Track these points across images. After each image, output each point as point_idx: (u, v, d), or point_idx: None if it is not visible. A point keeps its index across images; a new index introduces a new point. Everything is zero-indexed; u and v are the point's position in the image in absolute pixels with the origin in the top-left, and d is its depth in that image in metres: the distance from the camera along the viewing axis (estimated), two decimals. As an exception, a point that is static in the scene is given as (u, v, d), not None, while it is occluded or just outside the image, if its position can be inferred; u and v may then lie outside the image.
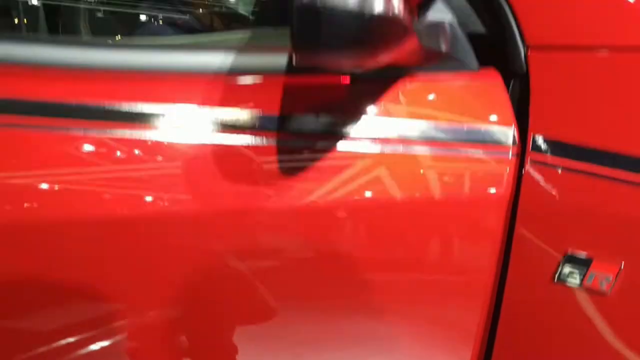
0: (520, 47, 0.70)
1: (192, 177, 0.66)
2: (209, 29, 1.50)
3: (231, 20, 1.52)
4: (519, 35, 0.70)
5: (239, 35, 0.78)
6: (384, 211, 0.68)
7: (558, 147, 0.65)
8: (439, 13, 0.69)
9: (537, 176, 0.67)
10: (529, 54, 0.70)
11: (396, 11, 0.47)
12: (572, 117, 0.66)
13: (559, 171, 0.65)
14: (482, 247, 0.70)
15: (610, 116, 0.64)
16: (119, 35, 1.51)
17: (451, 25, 0.69)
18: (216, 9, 1.51)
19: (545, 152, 0.66)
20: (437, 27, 0.67)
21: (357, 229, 0.68)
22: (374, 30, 0.47)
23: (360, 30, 0.47)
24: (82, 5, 1.37)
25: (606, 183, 0.62)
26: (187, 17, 1.46)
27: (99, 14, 1.42)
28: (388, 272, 0.71)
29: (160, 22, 1.43)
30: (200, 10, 1.51)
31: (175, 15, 1.48)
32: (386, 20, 0.47)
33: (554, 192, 0.66)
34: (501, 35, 0.72)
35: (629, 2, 0.64)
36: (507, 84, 0.72)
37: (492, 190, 0.69)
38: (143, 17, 1.53)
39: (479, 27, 0.75)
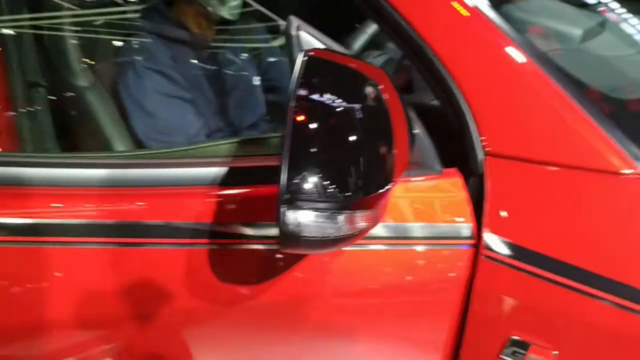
0: (477, 151, 0.80)
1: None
2: (200, 36, 1.54)
3: (218, 25, 1.56)
4: (477, 140, 0.80)
5: (226, 146, 0.87)
6: (360, 299, 0.81)
7: (505, 246, 0.77)
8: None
9: (488, 268, 0.79)
10: (485, 158, 0.79)
11: (362, 226, 0.58)
12: (518, 221, 0.77)
13: (505, 267, 0.77)
14: (442, 321, 0.83)
15: (549, 225, 0.75)
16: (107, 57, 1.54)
17: (418, 136, 0.78)
18: (203, 16, 1.54)
19: (494, 249, 0.78)
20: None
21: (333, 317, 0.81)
22: (346, 241, 0.59)
23: (334, 245, 0.58)
24: (65, 29, 1.40)
25: (543, 283, 0.74)
26: (177, 28, 1.50)
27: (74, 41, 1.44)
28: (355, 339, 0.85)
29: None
30: (188, 20, 1.54)
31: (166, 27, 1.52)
32: (354, 236, 0.59)
33: (500, 284, 0.78)
34: (463, 136, 0.81)
35: (577, 129, 0.74)
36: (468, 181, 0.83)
37: (452, 275, 0.81)
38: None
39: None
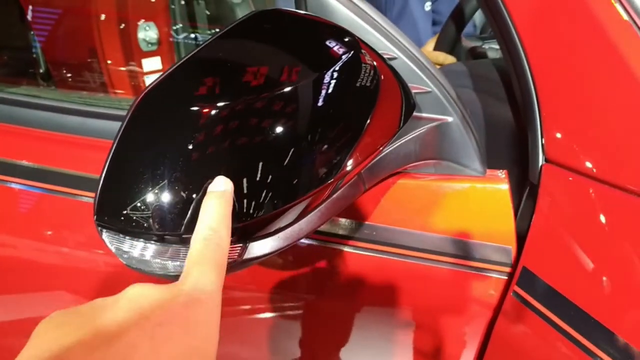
0: (537, 153, 0.59)
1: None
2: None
3: None
4: (538, 137, 0.58)
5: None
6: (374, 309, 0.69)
7: (542, 291, 0.57)
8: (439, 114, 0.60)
9: (515, 311, 0.60)
10: (544, 165, 0.58)
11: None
12: (569, 263, 0.55)
13: (535, 316, 0.57)
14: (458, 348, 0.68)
15: (616, 282, 0.53)
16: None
17: (454, 125, 0.60)
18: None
19: (529, 291, 0.58)
20: (412, 141, 0.59)
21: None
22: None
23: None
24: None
25: (571, 347, 0.54)
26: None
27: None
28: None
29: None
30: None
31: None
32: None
33: (524, 333, 0.59)
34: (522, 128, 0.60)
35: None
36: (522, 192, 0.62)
37: (476, 308, 0.64)
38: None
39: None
